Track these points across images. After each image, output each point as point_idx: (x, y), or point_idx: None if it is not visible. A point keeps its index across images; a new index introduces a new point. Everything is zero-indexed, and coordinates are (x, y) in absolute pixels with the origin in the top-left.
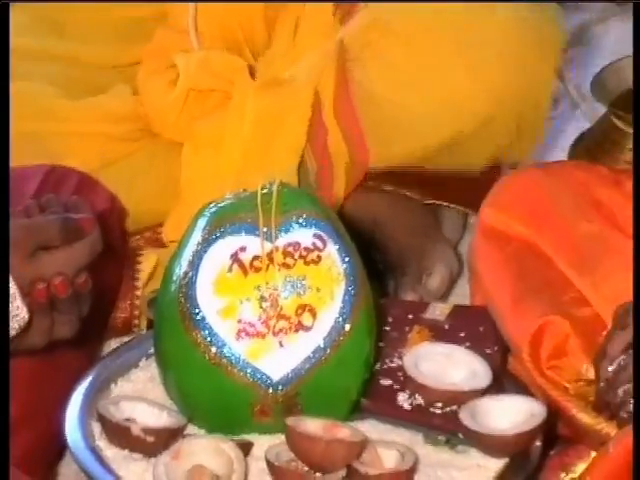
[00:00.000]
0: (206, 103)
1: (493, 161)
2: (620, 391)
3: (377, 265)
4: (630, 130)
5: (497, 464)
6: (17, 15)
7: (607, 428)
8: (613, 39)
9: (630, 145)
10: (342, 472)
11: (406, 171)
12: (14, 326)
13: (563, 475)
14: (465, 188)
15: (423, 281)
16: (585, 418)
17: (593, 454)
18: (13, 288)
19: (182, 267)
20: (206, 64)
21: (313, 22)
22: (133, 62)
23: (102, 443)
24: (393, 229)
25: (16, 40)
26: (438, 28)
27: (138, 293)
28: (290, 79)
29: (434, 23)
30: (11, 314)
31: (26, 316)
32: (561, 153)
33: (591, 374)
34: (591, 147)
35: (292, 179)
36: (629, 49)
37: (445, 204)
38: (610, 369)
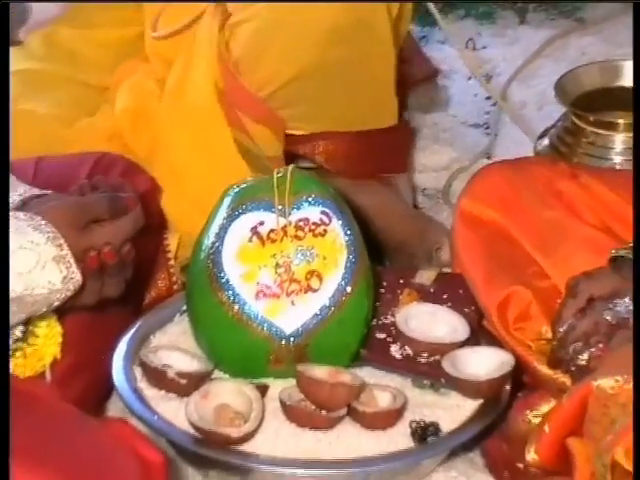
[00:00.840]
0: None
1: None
2: (570, 349)
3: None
4: (585, 126)
5: (473, 404)
6: (36, 44)
7: (562, 378)
8: (572, 51)
9: (585, 138)
10: (343, 410)
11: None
12: (70, 287)
13: (528, 412)
14: (387, 156)
15: (434, 256)
16: (545, 370)
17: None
18: (69, 255)
19: (210, 238)
20: (130, 87)
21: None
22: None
23: (143, 385)
24: (383, 219)
25: (34, 64)
26: None
27: (171, 263)
28: (184, 76)
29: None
30: (67, 277)
31: (80, 279)
32: (529, 148)
33: (549, 334)
34: (553, 140)
35: (240, 164)
36: (586, 59)
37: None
38: (561, 330)
